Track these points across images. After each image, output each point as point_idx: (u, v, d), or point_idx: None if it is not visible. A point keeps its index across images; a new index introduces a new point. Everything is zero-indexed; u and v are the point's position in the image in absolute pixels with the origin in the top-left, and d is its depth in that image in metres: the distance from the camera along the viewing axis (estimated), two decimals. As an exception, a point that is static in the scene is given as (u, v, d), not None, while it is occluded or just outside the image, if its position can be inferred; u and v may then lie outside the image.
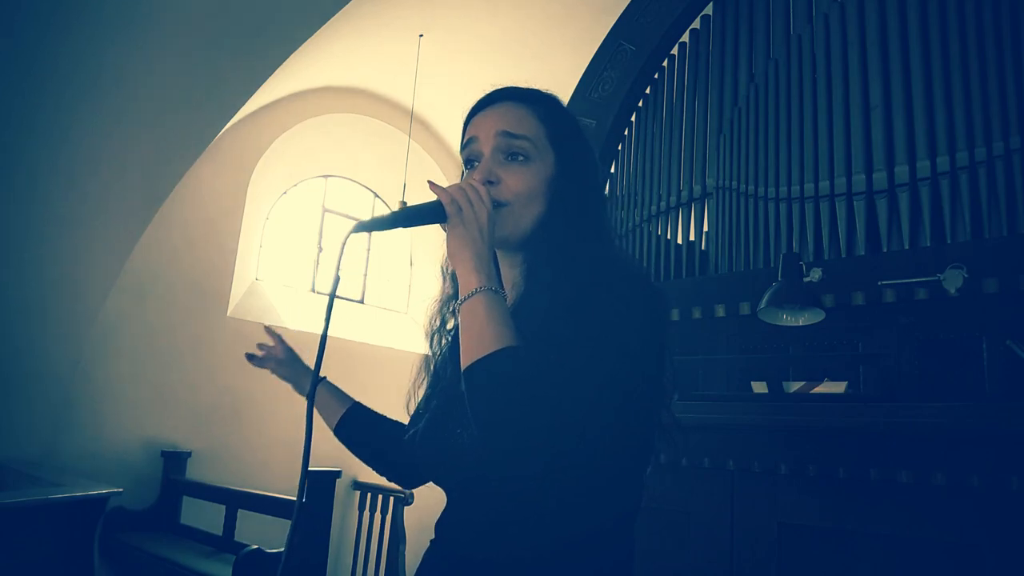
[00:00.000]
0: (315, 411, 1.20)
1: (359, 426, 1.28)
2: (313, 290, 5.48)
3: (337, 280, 0.96)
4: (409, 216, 0.96)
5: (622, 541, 0.98)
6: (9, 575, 2.73)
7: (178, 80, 3.44)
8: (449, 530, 1.01)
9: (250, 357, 1.38)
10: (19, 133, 3.14)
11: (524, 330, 0.88)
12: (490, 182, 0.98)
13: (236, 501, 3.79)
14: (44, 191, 3.38)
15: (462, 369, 0.85)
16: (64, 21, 2.91)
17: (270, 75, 3.76)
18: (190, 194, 4.48)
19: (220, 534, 3.81)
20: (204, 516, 4.08)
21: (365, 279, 5.83)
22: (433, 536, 1.04)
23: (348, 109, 5.40)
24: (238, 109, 3.93)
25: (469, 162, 1.05)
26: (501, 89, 1.08)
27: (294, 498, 3.49)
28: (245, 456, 4.68)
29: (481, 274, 0.88)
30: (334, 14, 3.58)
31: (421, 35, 4.57)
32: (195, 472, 4.39)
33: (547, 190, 1.00)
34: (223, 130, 4.08)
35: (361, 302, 5.76)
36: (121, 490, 3.29)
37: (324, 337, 0.95)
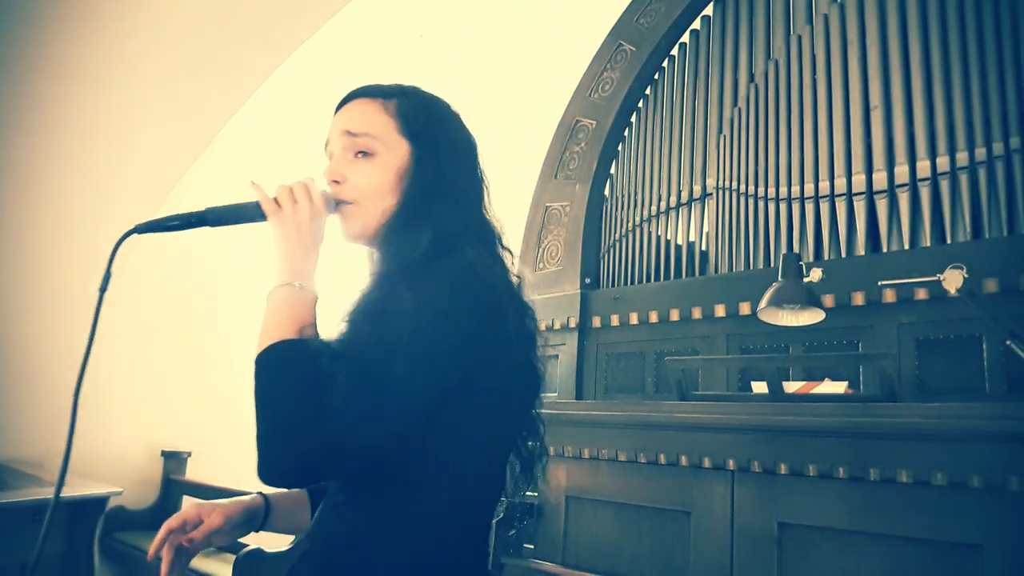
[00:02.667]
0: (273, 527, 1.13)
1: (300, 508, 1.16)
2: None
3: (107, 278, 0.93)
4: (222, 216, 0.95)
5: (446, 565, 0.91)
6: (9, 575, 2.73)
7: (178, 80, 3.44)
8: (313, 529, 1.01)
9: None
10: (18, 134, 3.14)
11: (351, 327, 0.88)
12: (336, 182, 0.99)
13: (236, 501, 3.77)
14: (44, 191, 3.38)
15: None
16: (63, 19, 2.91)
17: (269, 75, 3.76)
18: (190, 193, 4.48)
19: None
20: (204, 516, 4.07)
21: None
22: None
23: (348, 109, 5.39)
24: (238, 109, 3.94)
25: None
26: (355, 88, 1.07)
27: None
28: (245, 456, 4.68)
29: (286, 271, 0.90)
30: (334, 14, 3.58)
31: (421, 35, 4.56)
32: (195, 472, 4.39)
33: (399, 183, 0.99)
34: (223, 130, 4.08)
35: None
36: (121, 490, 3.29)
37: (91, 339, 0.92)
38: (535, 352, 1.04)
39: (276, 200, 0.96)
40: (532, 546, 2.52)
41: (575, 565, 2.28)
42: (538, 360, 1.05)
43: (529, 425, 1.05)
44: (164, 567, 1.00)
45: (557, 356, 3.33)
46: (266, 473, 0.81)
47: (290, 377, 0.81)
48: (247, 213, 0.96)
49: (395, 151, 1.00)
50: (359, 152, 1.00)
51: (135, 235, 0.93)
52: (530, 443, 1.05)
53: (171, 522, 1.03)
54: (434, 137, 1.02)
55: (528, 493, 3.15)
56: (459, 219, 0.98)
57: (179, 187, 4.06)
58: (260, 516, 1.12)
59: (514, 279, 1.05)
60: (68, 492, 3.01)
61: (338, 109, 1.05)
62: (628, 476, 2.21)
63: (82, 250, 3.77)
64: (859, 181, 2.56)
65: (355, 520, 0.90)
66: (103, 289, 0.92)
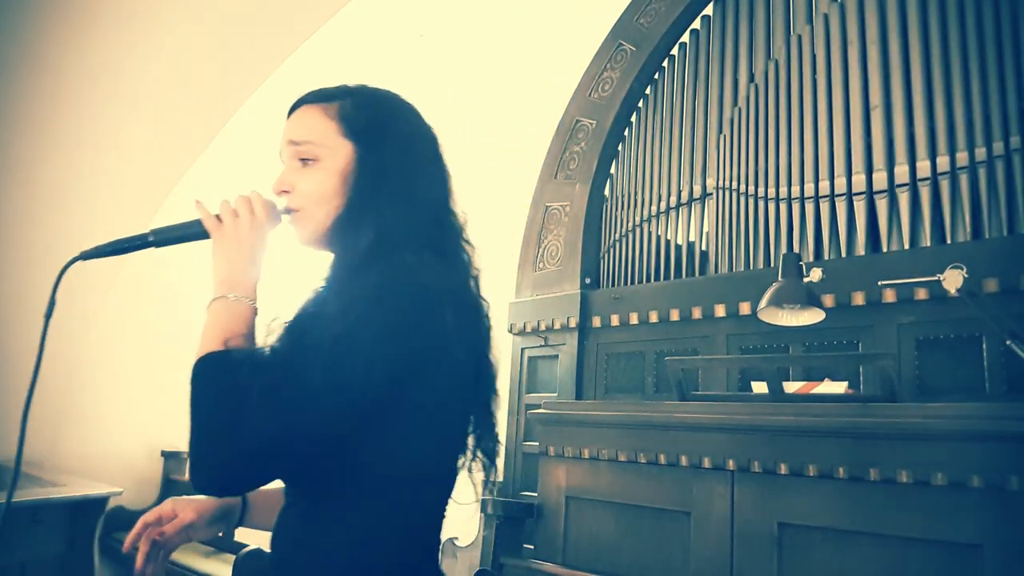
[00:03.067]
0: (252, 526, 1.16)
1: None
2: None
3: (52, 305, 0.95)
4: (165, 237, 0.98)
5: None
6: (9, 574, 2.73)
7: (178, 80, 3.44)
8: None
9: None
10: (17, 134, 3.14)
11: (283, 334, 0.88)
12: (285, 191, 1.00)
13: (236, 501, 3.77)
14: (43, 191, 3.38)
15: None
16: (62, 18, 2.91)
17: (270, 75, 3.76)
18: (191, 194, 4.48)
19: (220, 534, 3.81)
20: (204, 516, 4.08)
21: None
22: None
23: (348, 109, 5.39)
24: (238, 109, 3.93)
25: None
26: (300, 96, 1.07)
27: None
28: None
29: (223, 284, 0.93)
30: (334, 14, 3.58)
31: (421, 35, 4.56)
32: (195, 472, 4.39)
33: (344, 185, 0.99)
34: (223, 130, 4.08)
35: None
36: (121, 490, 3.29)
37: (39, 362, 0.96)
38: (488, 349, 1.04)
39: (219, 216, 0.97)
40: (532, 546, 2.52)
41: (575, 565, 2.28)
42: (492, 356, 1.04)
43: (484, 421, 1.05)
44: (140, 559, 1.03)
45: (557, 356, 3.33)
46: (195, 481, 0.82)
47: (210, 389, 0.83)
48: (190, 232, 0.98)
49: (338, 154, 1.00)
50: (304, 159, 1.00)
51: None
52: (487, 438, 1.05)
53: (147, 516, 1.06)
54: (379, 135, 1.01)
55: (527, 493, 3.15)
56: (406, 217, 0.97)
57: (179, 188, 4.06)
58: (236, 513, 1.14)
59: (475, 272, 1.05)
60: (68, 492, 3.01)
61: (287, 118, 1.06)
62: (628, 476, 2.21)
63: (82, 249, 3.77)
64: (859, 181, 2.56)
65: (302, 523, 0.92)
66: (48, 315, 0.93)
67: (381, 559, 0.90)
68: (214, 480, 0.82)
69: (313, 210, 0.99)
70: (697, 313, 2.83)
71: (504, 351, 3.76)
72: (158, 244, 0.98)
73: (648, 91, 3.44)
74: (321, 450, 0.84)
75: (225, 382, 0.83)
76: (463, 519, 4.86)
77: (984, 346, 2.15)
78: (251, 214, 0.97)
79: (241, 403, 0.80)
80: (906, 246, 2.43)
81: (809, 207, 2.68)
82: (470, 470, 1.04)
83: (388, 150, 1.00)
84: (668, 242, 3.13)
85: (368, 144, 1.00)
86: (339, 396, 0.82)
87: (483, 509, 2.81)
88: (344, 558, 0.88)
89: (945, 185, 2.37)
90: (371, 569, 0.89)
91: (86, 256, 0.95)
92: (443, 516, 0.99)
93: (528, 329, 3.44)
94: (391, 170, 0.99)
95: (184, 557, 3.59)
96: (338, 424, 0.84)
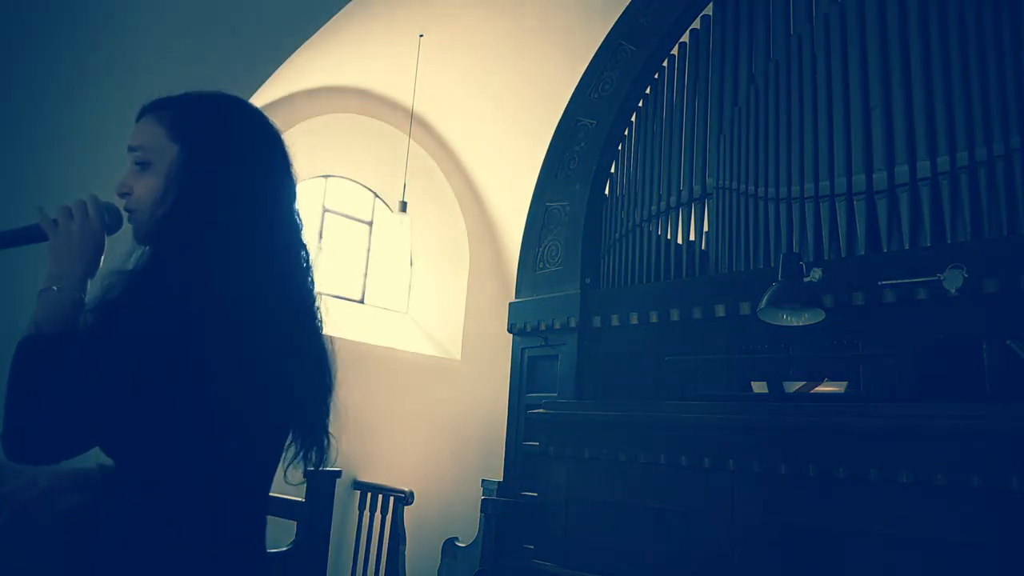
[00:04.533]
0: None
1: None
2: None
3: None
4: (4, 239, 1.07)
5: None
6: (10, 575, 2.73)
7: (177, 81, 3.44)
8: None
9: None
10: (18, 135, 3.14)
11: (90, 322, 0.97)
12: (125, 193, 1.08)
13: (236, 501, 3.76)
14: (44, 190, 3.38)
15: None
16: (61, 21, 2.91)
17: (270, 75, 3.76)
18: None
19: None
20: (204, 516, 4.07)
21: (365, 279, 5.83)
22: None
23: (348, 109, 5.39)
24: (238, 109, 3.93)
25: None
26: (144, 105, 1.14)
27: (295, 498, 3.49)
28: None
29: (51, 277, 1.02)
30: (334, 14, 3.58)
31: (421, 35, 4.57)
32: (195, 472, 4.38)
33: (168, 186, 1.04)
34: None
35: (361, 302, 5.76)
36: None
37: None
38: (310, 350, 1.09)
39: (56, 220, 1.05)
40: (532, 546, 2.53)
41: (575, 565, 2.28)
42: (314, 348, 1.10)
43: (309, 416, 1.09)
44: None
45: (557, 356, 3.33)
46: (5, 452, 0.90)
47: (15, 368, 0.92)
48: (30, 234, 1.07)
49: (166, 157, 1.06)
50: (137, 164, 1.08)
51: None
52: (313, 431, 1.10)
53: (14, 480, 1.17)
54: (202, 139, 1.07)
55: (527, 493, 3.15)
56: (221, 219, 1.02)
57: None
58: (97, 482, 1.20)
59: (311, 276, 1.10)
60: (68, 492, 3.01)
61: None
62: (628, 476, 2.21)
63: None
64: (859, 181, 2.56)
65: (119, 501, 0.99)
66: None
67: (188, 537, 0.95)
68: (12, 451, 0.90)
69: (145, 210, 1.05)
70: (697, 313, 2.83)
71: (505, 351, 3.76)
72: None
73: (648, 91, 3.44)
74: (110, 428, 0.92)
75: (29, 362, 0.93)
76: (463, 519, 4.86)
77: (984, 346, 2.15)
78: (84, 216, 1.05)
79: (37, 380, 0.90)
80: (906, 246, 2.43)
81: (809, 207, 2.68)
82: (303, 459, 1.10)
83: (210, 154, 1.06)
84: (668, 242, 3.13)
85: (190, 147, 1.06)
86: (113, 387, 0.90)
87: (483, 509, 2.81)
88: (152, 535, 0.95)
89: (945, 185, 2.37)
90: (166, 539, 0.95)
91: None
92: (261, 497, 1.06)
93: (528, 329, 3.44)
94: (215, 174, 1.05)
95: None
96: (115, 408, 0.91)
